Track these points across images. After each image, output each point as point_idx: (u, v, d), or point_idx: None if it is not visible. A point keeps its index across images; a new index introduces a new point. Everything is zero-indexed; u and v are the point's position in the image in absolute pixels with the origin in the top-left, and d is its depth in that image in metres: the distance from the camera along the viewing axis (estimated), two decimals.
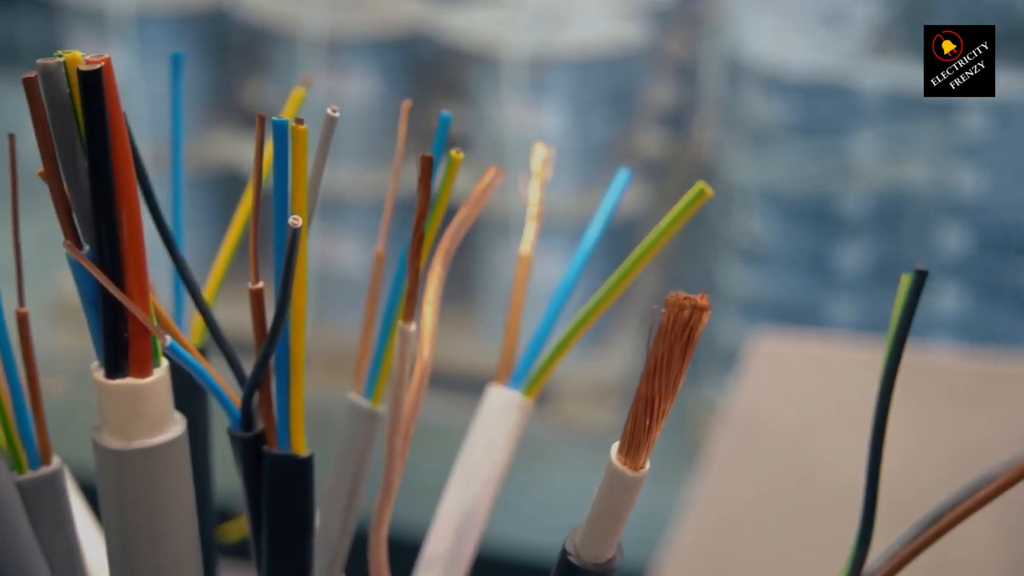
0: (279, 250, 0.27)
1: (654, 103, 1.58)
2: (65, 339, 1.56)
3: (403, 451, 0.28)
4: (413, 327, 0.28)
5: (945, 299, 1.48)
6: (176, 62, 0.33)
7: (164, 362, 0.26)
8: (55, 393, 0.31)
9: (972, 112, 1.41)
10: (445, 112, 0.30)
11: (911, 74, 1.43)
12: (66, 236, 0.25)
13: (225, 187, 1.65)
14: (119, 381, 0.26)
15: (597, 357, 1.60)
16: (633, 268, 0.31)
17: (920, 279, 0.28)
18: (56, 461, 0.29)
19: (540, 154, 0.34)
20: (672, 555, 0.73)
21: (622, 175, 0.34)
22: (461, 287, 1.62)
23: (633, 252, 0.31)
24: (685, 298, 0.23)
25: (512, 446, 0.33)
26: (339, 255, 1.63)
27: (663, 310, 0.23)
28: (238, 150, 1.62)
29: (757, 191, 1.50)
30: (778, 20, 1.49)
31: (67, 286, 1.68)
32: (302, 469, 0.28)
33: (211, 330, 0.28)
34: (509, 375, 0.33)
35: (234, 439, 0.28)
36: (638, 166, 1.55)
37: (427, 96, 1.60)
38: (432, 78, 1.61)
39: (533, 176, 0.34)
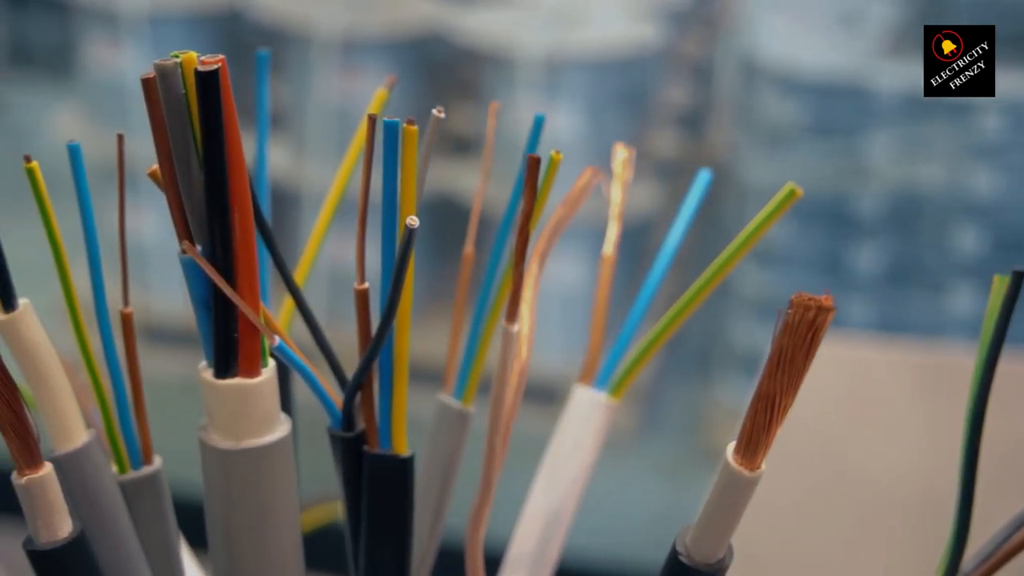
0: (387, 250, 0.27)
1: (669, 104, 1.58)
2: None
3: (502, 451, 0.28)
4: (517, 328, 0.28)
5: (961, 299, 1.48)
6: (262, 62, 0.33)
7: (271, 362, 0.26)
8: None
9: (988, 113, 1.41)
10: (540, 113, 0.30)
11: None
12: (180, 237, 0.25)
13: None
14: (228, 381, 0.26)
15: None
16: (723, 268, 0.31)
17: (1017, 280, 0.28)
18: (157, 461, 0.29)
19: (621, 155, 0.34)
20: None
21: (704, 175, 0.34)
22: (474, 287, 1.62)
23: (722, 253, 0.31)
24: (810, 299, 0.23)
25: (598, 446, 0.33)
26: (351, 256, 1.63)
27: (789, 310, 0.23)
28: (250, 151, 1.62)
29: (772, 192, 1.49)
30: (794, 21, 1.49)
31: (83, 286, 1.68)
32: (403, 469, 0.28)
33: (312, 331, 0.28)
34: (594, 376, 0.33)
35: (335, 439, 0.28)
36: (652, 166, 1.55)
37: (441, 96, 1.60)
38: (446, 78, 1.61)
39: (614, 177, 0.34)
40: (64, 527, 0.25)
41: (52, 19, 1.78)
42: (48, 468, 0.25)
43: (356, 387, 0.28)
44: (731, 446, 0.24)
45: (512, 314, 0.27)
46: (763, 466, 0.24)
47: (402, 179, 0.26)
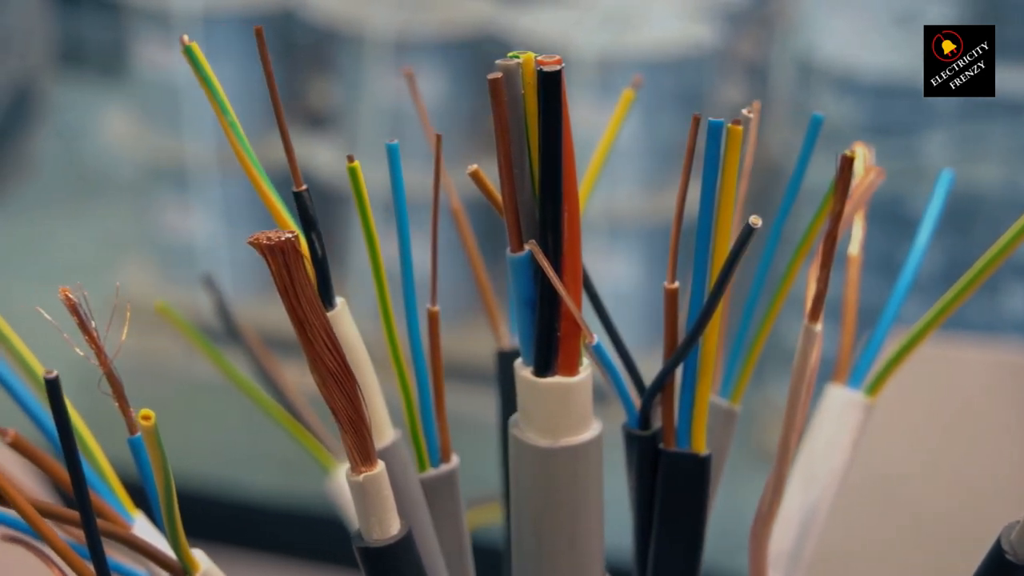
0: (701, 248, 0.27)
1: (724, 104, 1.58)
2: (127, 339, 1.55)
3: (794, 446, 0.29)
4: (819, 327, 0.28)
5: (1015, 299, 1.48)
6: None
7: (586, 361, 0.27)
8: None
9: None
10: (818, 114, 0.30)
11: None
12: (512, 236, 0.25)
13: (289, 188, 1.65)
14: (549, 379, 0.26)
15: (658, 355, 1.60)
16: (987, 268, 0.31)
17: None
18: (454, 459, 0.29)
19: (860, 154, 0.34)
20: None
21: (946, 175, 0.34)
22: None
23: (986, 253, 0.31)
24: None
25: (853, 445, 0.33)
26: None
27: None
28: (303, 151, 1.62)
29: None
30: (851, 21, 1.49)
31: (129, 285, 1.68)
32: (701, 467, 0.28)
33: (608, 329, 0.29)
34: (847, 375, 0.33)
35: (631, 437, 0.29)
36: None
37: None
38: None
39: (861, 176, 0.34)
40: (395, 524, 0.25)
41: (104, 19, 1.78)
42: (381, 465, 0.25)
43: (659, 386, 0.28)
44: None
45: (816, 314, 0.28)
46: None
47: (723, 178, 0.26)
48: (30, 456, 0.28)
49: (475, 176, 0.26)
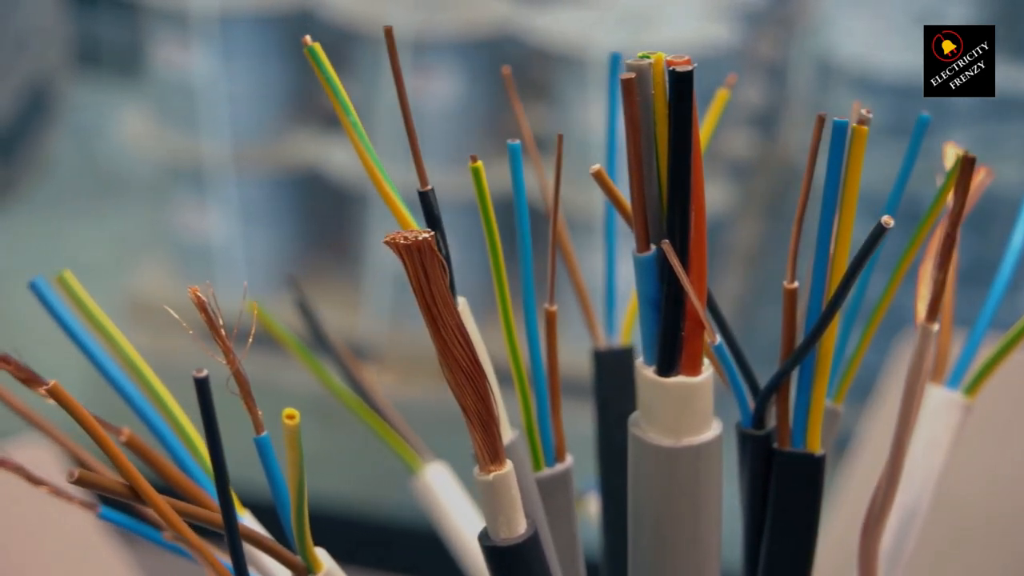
0: (822, 247, 0.27)
1: (742, 104, 1.58)
2: (142, 338, 1.56)
3: (907, 445, 0.29)
4: (936, 327, 0.28)
5: None
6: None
7: (706, 361, 0.27)
8: None
9: None
10: (924, 115, 0.30)
11: (1003, 75, 1.43)
12: (639, 237, 0.25)
13: (306, 187, 1.65)
14: (673, 379, 0.26)
15: None
16: None
17: None
18: (568, 459, 0.29)
19: (954, 153, 0.34)
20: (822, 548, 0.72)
21: None
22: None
23: None
24: None
25: (952, 445, 0.33)
26: None
27: None
28: (319, 150, 1.62)
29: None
30: (870, 21, 1.50)
31: (144, 285, 1.68)
32: (816, 467, 0.28)
33: (722, 329, 0.29)
34: (944, 375, 0.33)
35: (744, 437, 0.29)
36: (726, 166, 1.55)
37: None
38: (518, 79, 1.61)
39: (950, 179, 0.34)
40: (522, 523, 0.25)
41: (121, 19, 1.78)
42: (510, 464, 0.25)
43: (776, 386, 0.28)
44: None
45: (933, 314, 0.28)
46: None
47: (847, 177, 0.26)
48: (143, 455, 0.28)
49: (598, 176, 0.26)
